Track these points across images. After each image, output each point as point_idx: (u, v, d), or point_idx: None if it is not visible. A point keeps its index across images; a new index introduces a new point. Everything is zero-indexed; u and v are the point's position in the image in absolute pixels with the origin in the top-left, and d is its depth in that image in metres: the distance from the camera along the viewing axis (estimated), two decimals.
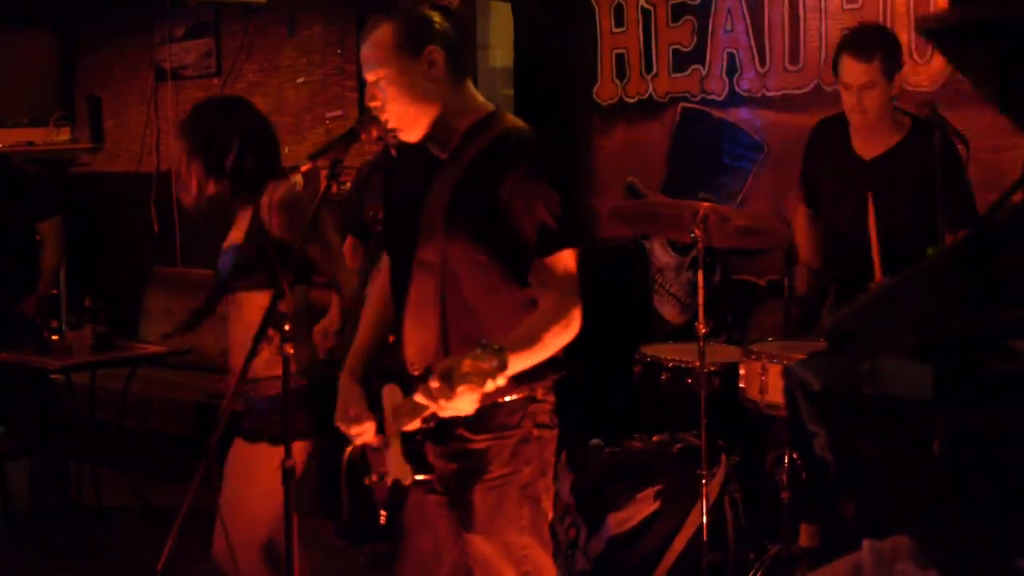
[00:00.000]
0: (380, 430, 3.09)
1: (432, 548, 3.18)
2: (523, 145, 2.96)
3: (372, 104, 2.96)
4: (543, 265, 2.87)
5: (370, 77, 2.96)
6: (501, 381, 2.60)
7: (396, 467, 3.02)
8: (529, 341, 2.79)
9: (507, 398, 2.97)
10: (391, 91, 2.93)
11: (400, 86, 2.93)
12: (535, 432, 3.03)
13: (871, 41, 4.18)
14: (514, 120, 3.06)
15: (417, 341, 3.01)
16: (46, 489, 6.07)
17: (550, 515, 3.12)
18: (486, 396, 2.70)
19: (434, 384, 2.61)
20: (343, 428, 3.13)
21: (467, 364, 2.51)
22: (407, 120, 2.95)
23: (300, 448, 3.67)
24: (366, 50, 2.97)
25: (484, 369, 2.51)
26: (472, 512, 3.01)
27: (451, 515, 3.11)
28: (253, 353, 2.75)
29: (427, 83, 2.94)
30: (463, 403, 2.66)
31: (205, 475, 2.66)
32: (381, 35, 2.94)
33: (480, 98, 3.07)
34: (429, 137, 3.00)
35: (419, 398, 2.73)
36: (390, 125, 2.94)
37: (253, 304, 3.69)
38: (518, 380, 2.92)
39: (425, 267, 2.97)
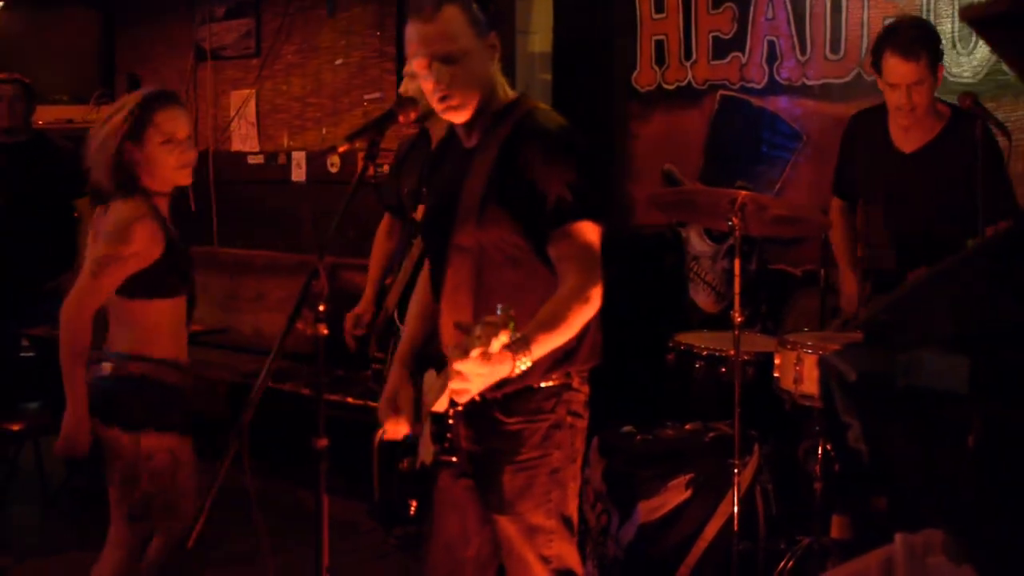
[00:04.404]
0: (419, 417, 3.11)
1: (460, 531, 3.20)
2: (542, 122, 2.98)
3: (438, 83, 2.93)
4: (558, 236, 2.86)
5: (441, 50, 2.91)
6: (526, 363, 2.57)
7: (424, 448, 3.04)
8: (552, 322, 2.75)
9: (543, 384, 2.98)
10: (458, 69, 2.92)
11: (469, 64, 2.93)
12: (568, 419, 3.05)
13: (916, 39, 4.11)
14: (537, 103, 3.09)
15: (453, 324, 3.02)
16: (81, 464, 6.11)
17: (576, 503, 3.12)
18: (516, 378, 2.68)
19: (448, 344, 2.58)
20: (380, 416, 3.17)
21: (478, 328, 2.47)
22: (469, 98, 2.96)
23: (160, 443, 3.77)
24: (436, 26, 2.92)
25: (491, 328, 2.44)
26: (500, 492, 3.02)
27: (478, 498, 3.12)
28: (287, 332, 2.75)
29: (488, 66, 2.99)
30: (474, 368, 2.51)
31: (237, 455, 2.67)
32: (452, 13, 2.92)
33: (508, 88, 3.10)
34: (469, 121, 3.01)
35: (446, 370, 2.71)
36: (454, 101, 2.93)
37: None
38: (555, 364, 2.93)
39: (461, 251, 2.98)
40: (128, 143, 3.72)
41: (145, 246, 3.70)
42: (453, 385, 2.60)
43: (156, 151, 3.74)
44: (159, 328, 3.80)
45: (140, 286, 3.73)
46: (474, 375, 2.55)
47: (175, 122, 3.79)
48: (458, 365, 2.51)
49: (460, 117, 3.01)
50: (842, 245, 4.61)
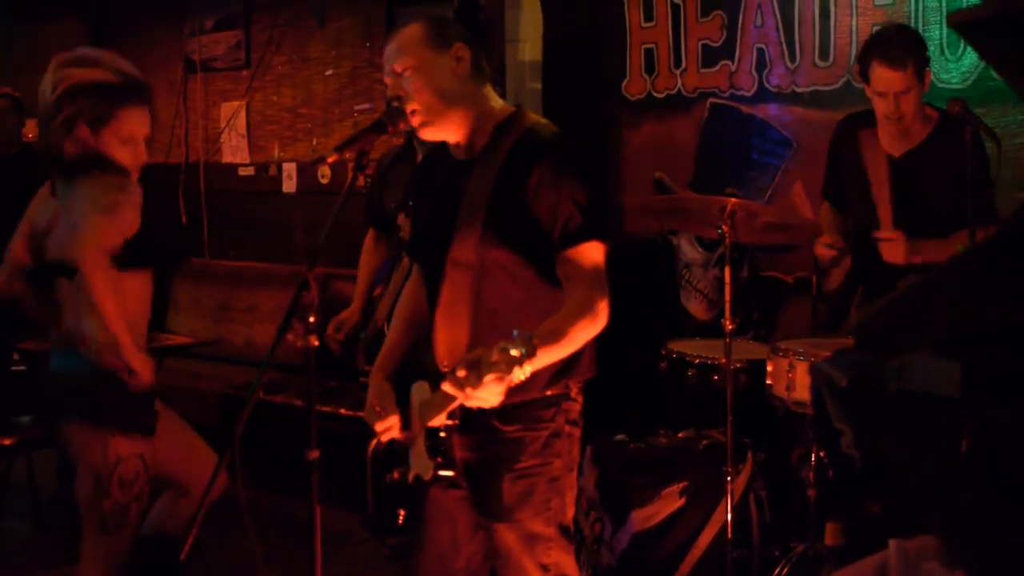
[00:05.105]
0: (407, 427, 3.09)
1: (450, 540, 3.19)
2: (549, 140, 2.98)
3: (399, 92, 2.97)
4: (568, 257, 2.87)
5: (397, 67, 2.98)
6: (526, 373, 2.55)
7: (419, 462, 3.03)
8: (556, 335, 2.77)
9: (545, 393, 2.98)
10: (418, 82, 2.96)
11: (427, 77, 2.96)
12: (567, 428, 3.05)
13: (902, 47, 4.11)
14: (537, 118, 3.09)
15: (448, 338, 3.01)
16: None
17: (571, 512, 3.12)
18: (513, 389, 2.68)
19: (461, 373, 2.58)
20: (370, 423, 3.15)
21: (496, 353, 2.48)
22: (436, 112, 2.97)
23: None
24: (394, 45, 3.01)
25: (512, 357, 2.47)
26: (499, 500, 3.01)
27: (472, 509, 3.12)
28: (276, 344, 2.75)
29: (454, 78, 2.99)
30: (489, 393, 2.60)
31: (229, 464, 2.66)
32: (410, 32, 3.01)
33: (500, 100, 3.11)
34: (464, 138, 3.02)
35: (447, 388, 2.69)
36: (420, 117, 2.96)
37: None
38: (555, 376, 2.94)
39: (459, 266, 2.96)
40: (85, 127, 3.60)
41: (134, 212, 3.63)
42: (469, 404, 2.68)
43: (111, 148, 3.63)
44: (129, 305, 3.71)
45: (127, 254, 3.64)
46: (489, 399, 2.63)
47: (137, 123, 3.68)
48: (475, 393, 2.58)
49: (437, 133, 3.03)
50: (831, 223, 4.57)
